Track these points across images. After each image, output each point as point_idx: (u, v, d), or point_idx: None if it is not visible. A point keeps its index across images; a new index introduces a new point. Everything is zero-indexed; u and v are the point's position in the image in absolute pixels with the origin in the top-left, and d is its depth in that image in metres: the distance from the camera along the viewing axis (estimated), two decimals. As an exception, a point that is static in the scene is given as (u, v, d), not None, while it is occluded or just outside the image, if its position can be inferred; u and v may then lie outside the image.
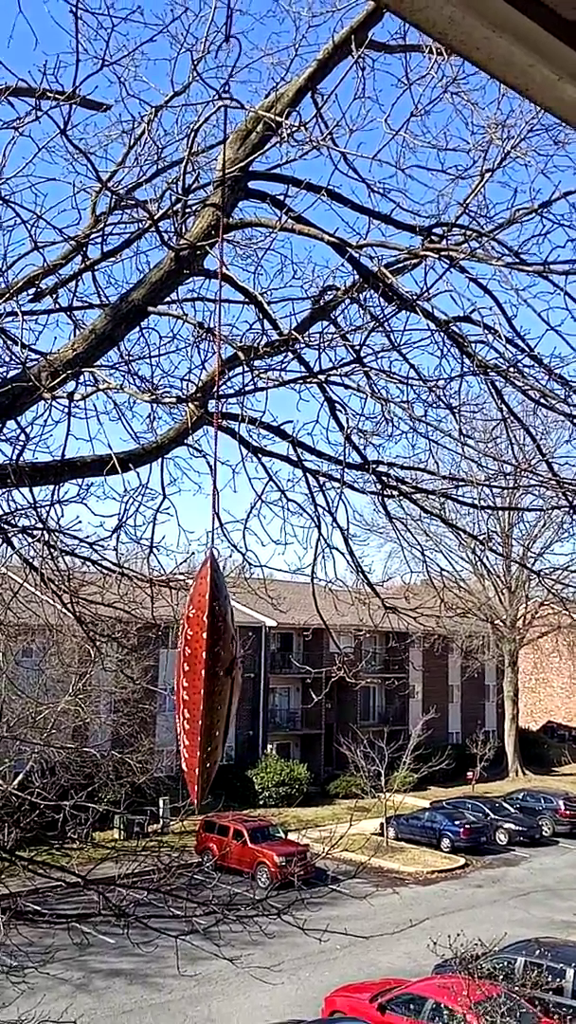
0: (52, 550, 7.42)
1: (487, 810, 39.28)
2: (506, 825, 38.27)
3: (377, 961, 22.81)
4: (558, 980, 19.02)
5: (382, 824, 36.27)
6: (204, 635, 3.00)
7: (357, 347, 7.27)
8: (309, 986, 21.16)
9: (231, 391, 7.46)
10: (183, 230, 6.70)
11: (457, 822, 36.48)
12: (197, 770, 3.07)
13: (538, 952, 19.71)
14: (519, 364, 7.45)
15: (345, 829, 14.14)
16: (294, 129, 6.56)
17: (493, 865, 34.75)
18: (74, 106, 5.97)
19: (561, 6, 2.40)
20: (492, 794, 44.10)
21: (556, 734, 65.56)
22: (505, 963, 19.17)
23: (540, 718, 68.09)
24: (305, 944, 13.46)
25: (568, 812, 40.36)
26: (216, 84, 6.41)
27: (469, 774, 46.61)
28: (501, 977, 18.20)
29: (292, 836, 32.65)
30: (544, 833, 39.24)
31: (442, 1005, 17.39)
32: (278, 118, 6.41)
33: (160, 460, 7.28)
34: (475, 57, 2.54)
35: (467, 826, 36.24)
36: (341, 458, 7.85)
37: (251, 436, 7.65)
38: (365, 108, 6.88)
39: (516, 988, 17.89)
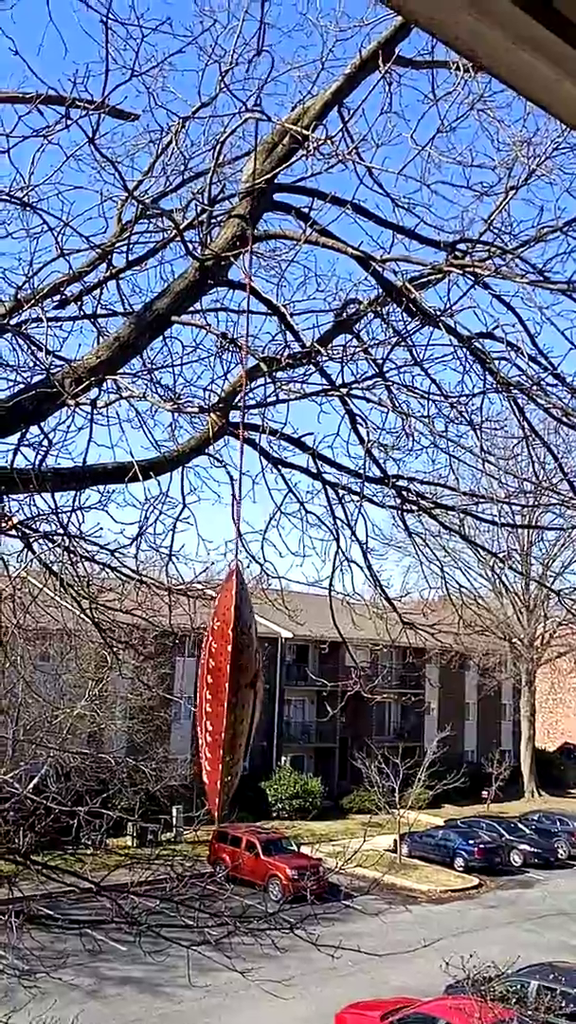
0: (72, 556, 7.45)
1: (502, 830, 38.95)
2: (521, 846, 37.91)
3: (388, 979, 22.63)
4: (572, 1005, 18.79)
5: (396, 841, 36.03)
6: (229, 648, 2.98)
7: (379, 361, 7.28)
8: (319, 1002, 21.02)
9: (253, 402, 7.49)
10: (208, 240, 6.74)
11: (471, 841, 36.20)
12: (219, 783, 3.05)
13: (552, 976, 19.50)
14: (542, 382, 7.43)
15: (359, 844, 14.05)
16: (320, 143, 6.59)
17: (507, 886, 34.43)
18: (102, 115, 6.03)
19: (579, 19, 2.41)
20: (507, 814, 43.73)
21: (573, 756, 64.97)
22: (518, 986, 18.98)
23: (556, 739, 67.51)
24: (317, 959, 13.38)
25: (584, 834, 39.96)
26: (243, 96, 6.46)
27: (484, 793, 46.25)
28: (514, 1000, 18.01)
29: (305, 850, 32.53)
30: (560, 856, 38.82)
31: (452, 1026, 17.23)
32: (304, 131, 6.45)
33: (181, 469, 7.31)
34: (501, 73, 2.55)
35: (481, 846, 35.95)
36: (361, 471, 7.85)
37: (271, 447, 7.67)
38: (391, 123, 6.89)
39: (529, 1012, 17.69)
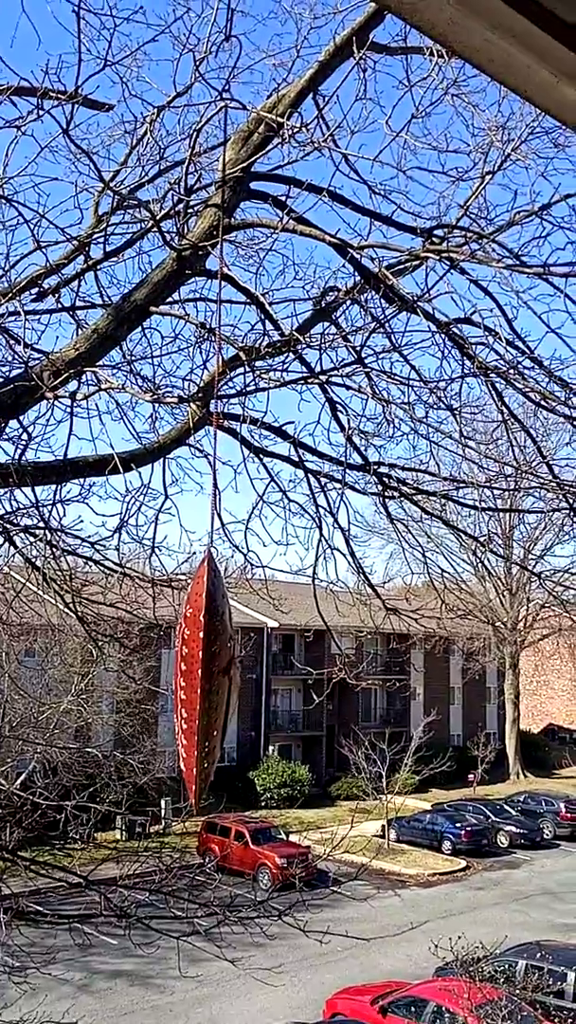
0: (54, 549, 7.44)
1: (488, 812, 39.25)
2: (507, 828, 38.24)
3: (378, 963, 22.80)
4: (559, 983, 19.00)
5: (383, 826, 36.25)
6: (201, 635, 3.00)
7: (358, 348, 7.28)
8: (310, 988, 21.15)
9: (233, 391, 7.48)
10: (185, 230, 6.72)
11: (458, 824, 36.46)
12: (195, 770, 3.07)
13: (539, 955, 19.69)
14: (520, 366, 7.46)
15: (346, 831, 14.13)
16: (295, 130, 6.57)
17: (494, 868, 34.72)
18: (76, 106, 5.99)
19: (560, 8, 2.42)
20: (493, 796, 44.06)
21: (557, 736, 65.50)
22: (506, 966, 19.16)
23: (541, 721, 68.03)
24: (306, 946, 13.46)
25: (569, 815, 40.31)
26: (218, 85, 6.44)
27: (470, 776, 46.56)
28: (502, 980, 18.18)
29: (293, 838, 32.66)
30: (545, 836, 39.20)
31: (443, 1008, 17.39)
32: (280, 119, 6.43)
33: (162, 460, 7.30)
34: (475, 59, 2.55)
35: (468, 828, 36.21)
36: (342, 459, 7.87)
37: (253, 436, 7.67)
38: (366, 110, 6.89)
39: (517, 991, 17.87)
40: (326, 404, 7.74)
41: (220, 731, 3.13)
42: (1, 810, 11.13)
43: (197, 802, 3.16)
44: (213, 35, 6.40)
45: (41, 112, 5.92)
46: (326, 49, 6.64)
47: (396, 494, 8.33)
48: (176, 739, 3.15)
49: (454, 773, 45.35)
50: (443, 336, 7.30)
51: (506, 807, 40.56)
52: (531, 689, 66.89)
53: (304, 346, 7.18)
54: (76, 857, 15.20)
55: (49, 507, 6.85)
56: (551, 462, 8.94)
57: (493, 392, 7.79)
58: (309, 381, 7.48)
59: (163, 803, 34.27)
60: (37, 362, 6.43)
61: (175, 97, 6.69)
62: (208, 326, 7.00)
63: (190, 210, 6.79)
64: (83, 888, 9.63)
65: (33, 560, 7.79)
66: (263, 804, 40.72)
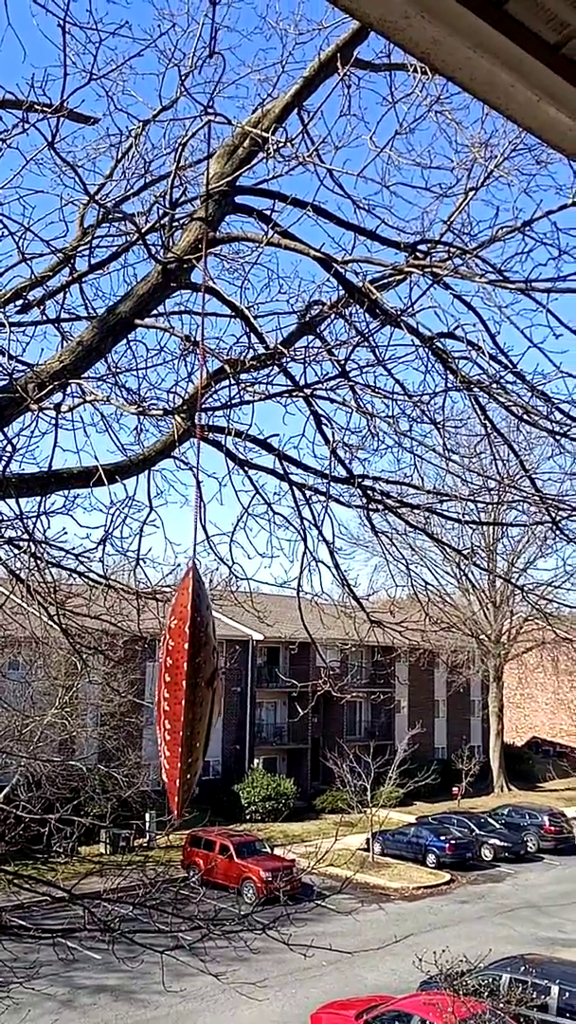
0: (38, 561, 7.42)
1: (472, 826, 39.22)
2: (491, 841, 38.21)
3: (363, 977, 22.71)
4: (543, 997, 18.97)
5: (368, 839, 36.16)
6: (186, 646, 3.01)
7: (342, 361, 7.32)
8: (295, 1002, 21.04)
9: (218, 404, 7.50)
10: (170, 243, 6.75)
11: (443, 838, 36.41)
12: (178, 781, 3.08)
13: (523, 969, 19.67)
14: (502, 380, 7.51)
15: (331, 844, 14.08)
16: (280, 145, 6.62)
17: (478, 881, 34.68)
18: (62, 119, 6.01)
19: (543, 30, 2.46)
20: (477, 810, 44.04)
21: (541, 750, 65.57)
22: (490, 980, 19.12)
23: (525, 734, 68.11)
24: (291, 960, 13.42)
25: (553, 828, 40.32)
26: (204, 99, 6.48)
27: (455, 789, 46.53)
28: (486, 994, 18.14)
29: (278, 851, 32.51)
30: (529, 849, 39.20)
31: (427, 1022, 17.32)
32: (264, 134, 6.48)
33: (147, 472, 7.30)
34: (458, 77, 2.60)
35: (452, 842, 36.17)
36: (327, 472, 7.89)
37: (237, 449, 7.69)
38: (351, 125, 6.95)
39: (501, 1005, 17.83)
40: (311, 417, 7.77)
41: (203, 742, 3.14)
42: (-16, 824, 11.05)
43: (179, 813, 3.17)
44: (199, 50, 6.46)
45: (26, 125, 5.94)
46: (311, 65, 6.70)
47: (380, 507, 8.36)
48: (159, 750, 3.16)
49: (438, 786, 45.34)
50: (427, 350, 7.35)
51: (490, 820, 40.54)
52: (515, 702, 67.00)
53: (289, 359, 7.21)
54: (60, 871, 15.11)
55: (33, 519, 6.84)
56: (534, 476, 9.00)
57: (476, 406, 7.85)
58: (294, 394, 7.51)
59: (147, 816, 34.07)
60: (21, 374, 6.43)
61: (160, 111, 6.74)
62: (193, 339, 7.03)
63: (175, 223, 6.82)
64: (67, 902, 9.57)
65: (17, 572, 7.77)
66: (248, 817, 40.56)
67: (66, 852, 18.26)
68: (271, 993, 19.93)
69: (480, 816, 41.16)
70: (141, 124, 6.80)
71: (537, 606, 12.36)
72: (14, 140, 6.08)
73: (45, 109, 5.87)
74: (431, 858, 35.83)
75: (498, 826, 39.91)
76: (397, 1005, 18.49)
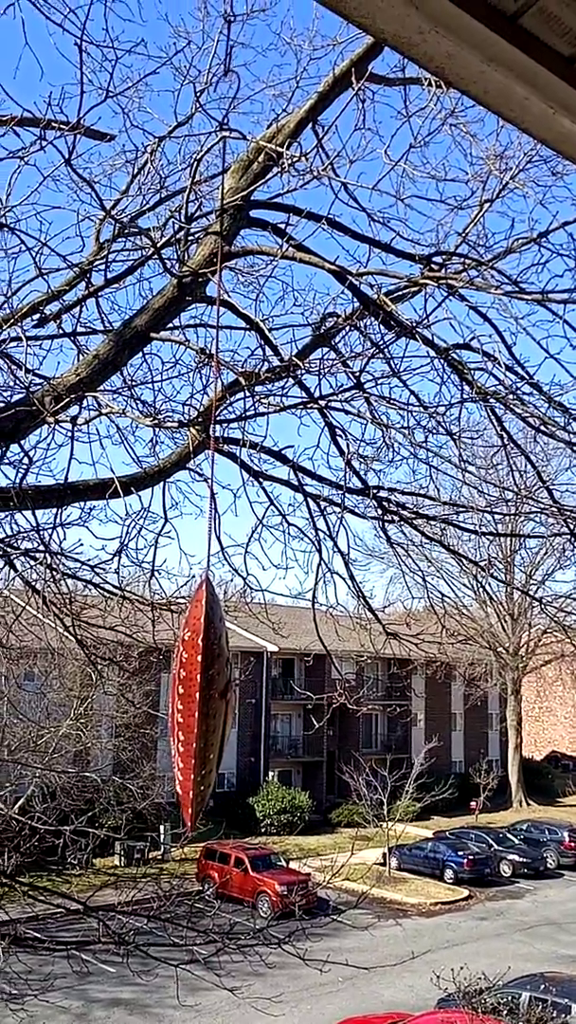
0: (54, 573, 7.45)
1: (491, 841, 38.89)
2: (510, 856, 37.85)
3: (380, 994, 22.53)
4: (563, 1015, 18.74)
5: (384, 854, 35.94)
6: (199, 658, 3.01)
7: (357, 373, 7.34)
8: (310, 1019, 20.89)
9: (232, 416, 7.53)
10: (185, 258, 6.79)
11: (460, 853, 36.11)
12: (191, 793, 3.07)
13: (543, 987, 19.44)
14: (519, 391, 7.51)
15: (347, 858, 14.05)
16: (295, 159, 6.66)
17: (497, 897, 34.38)
18: (78, 136, 6.07)
19: (557, 42, 2.47)
20: (495, 824, 43.69)
21: (560, 764, 65.02)
22: (509, 998, 18.92)
23: (544, 748, 67.59)
24: (306, 975, 13.34)
25: (573, 844, 39.90)
26: (218, 115, 6.55)
27: (472, 804, 46.21)
28: (505, 1012, 17.95)
29: (293, 865, 32.37)
30: (549, 865, 38.79)
31: (445, 1039, 17.17)
32: (279, 148, 6.52)
33: (162, 484, 7.33)
34: (472, 91, 2.60)
35: (471, 857, 35.86)
36: (342, 483, 7.90)
37: (252, 461, 7.71)
38: (365, 139, 6.98)
39: (520, 1023, 17.65)
40: (325, 428, 7.78)
41: (217, 754, 3.13)
42: (-1, 835, 11.07)
43: (193, 825, 3.16)
44: (214, 67, 6.51)
45: (44, 142, 6.01)
46: (325, 80, 6.74)
47: (396, 518, 8.35)
48: (172, 761, 3.16)
49: (456, 800, 45.02)
50: (442, 361, 7.36)
51: (509, 835, 40.19)
52: (533, 715, 66.53)
53: (303, 371, 7.23)
54: (74, 883, 15.09)
55: (49, 531, 6.89)
56: (551, 487, 8.97)
57: (492, 417, 7.84)
58: (308, 406, 7.52)
59: (162, 829, 34.01)
60: (39, 387, 6.48)
61: (176, 127, 6.79)
62: (208, 351, 7.06)
63: (190, 237, 6.87)
64: (81, 914, 9.57)
65: (33, 583, 7.81)
66: (263, 830, 40.41)
67: (81, 864, 18.26)
68: (287, 1009, 19.79)
69: (498, 831, 40.81)
70: (157, 140, 6.86)
71: (555, 618, 12.27)
72: (32, 157, 6.15)
73: (62, 126, 5.94)
74: (449, 873, 35.55)
75: (517, 841, 39.55)
76: (414, 1022, 18.34)
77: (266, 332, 6.84)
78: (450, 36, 2.34)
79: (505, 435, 7.97)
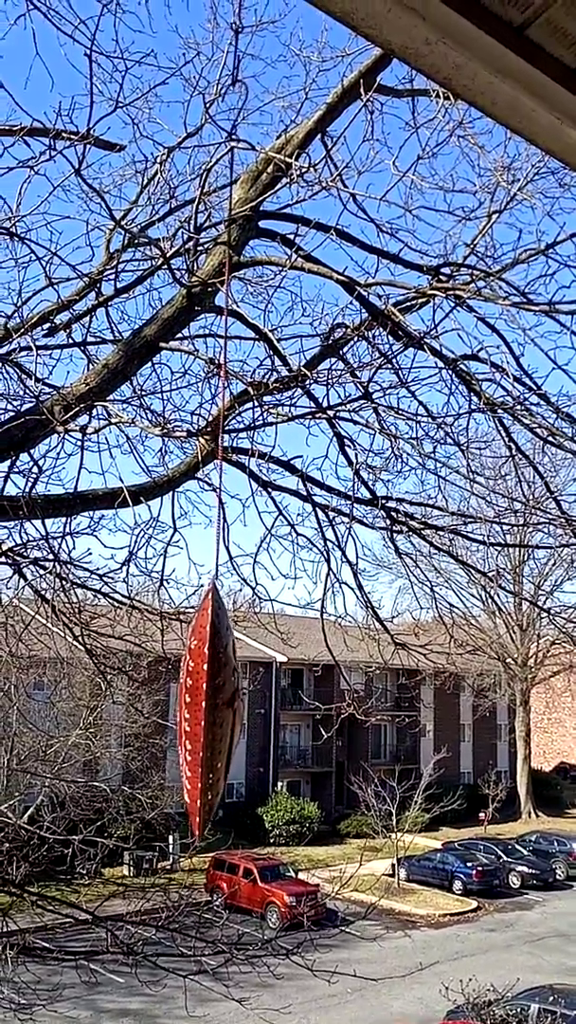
0: (64, 582, 7.46)
1: (500, 852, 38.69)
2: (519, 868, 37.66)
3: (388, 1005, 22.41)
4: (572, 1027, 18.63)
5: (393, 865, 35.78)
6: (205, 666, 3.01)
7: (366, 383, 7.35)
8: (319, 1030, 20.79)
9: (241, 426, 7.54)
10: (195, 268, 6.82)
11: (469, 864, 35.94)
12: (199, 802, 3.07)
13: (552, 999, 19.32)
14: (526, 402, 7.51)
15: (355, 869, 13.98)
16: (304, 170, 6.69)
17: (506, 909, 34.18)
18: (88, 146, 6.11)
19: (564, 54, 2.48)
20: (504, 836, 43.47)
21: (569, 775, 64.66)
22: (519, 1009, 18.80)
23: (553, 759, 67.25)
24: (315, 987, 13.27)
25: (582, 855, 39.71)
26: (228, 126, 6.57)
27: (481, 815, 45.98)
28: (514, 1024, 17.86)
29: (302, 875, 32.26)
30: (558, 876, 38.57)
31: (454, 1051, 17.07)
32: (288, 159, 6.55)
33: (171, 493, 7.34)
34: (479, 102, 2.62)
35: (479, 868, 35.68)
36: (350, 493, 7.90)
37: (261, 470, 7.73)
38: (374, 150, 7.00)
39: (529, 1035, 17.54)
40: (334, 439, 7.79)
41: (224, 763, 3.13)
42: (8, 844, 11.06)
43: (201, 834, 3.16)
44: (223, 78, 6.55)
45: (54, 152, 6.05)
46: (334, 91, 6.77)
47: (404, 529, 8.35)
48: (180, 771, 3.16)
49: (465, 811, 44.80)
50: (450, 372, 7.36)
51: (518, 847, 39.98)
52: (542, 727, 66.21)
53: (312, 381, 7.24)
54: (83, 893, 15.05)
55: (59, 540, 6.89)
56: (559, 498, 8.96)
57: (500, 428, 7.84)
58: (317, 416, 7.53)
59: (171, 839, 33.94)
60: (48, 396, 6.51)
61: (185, 138, 6.83)
62: (217, 361, 7.08)
63: (200, 248, 6.90)
64: (90, 924, 9.56)
65: (42, 593, 7.81)
66: (272, 841, 40.29)
67: (89, 874, 18.23)
68: (295, 1020, 19.69)
69: (507, 842, 40.61)
70: (166, 151, 6.89)
71: (564, 629, 12.24)
72: (42, 167, 6.19)
73: (72, 136, 5.97)
74: (457, 885, 35.37)
75: (526, 853, 39.35)
76: (423, 1034, 18.24)
77: (275, 342, 6.86)
78: (457, 47, 2.35)
79: (513, 446, 7.96)
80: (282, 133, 6.98)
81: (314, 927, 14.19)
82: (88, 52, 5.42)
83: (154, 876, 28.00)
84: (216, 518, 7.51)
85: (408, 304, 7.16)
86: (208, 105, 6.56)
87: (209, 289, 6.74)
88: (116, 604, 8.26)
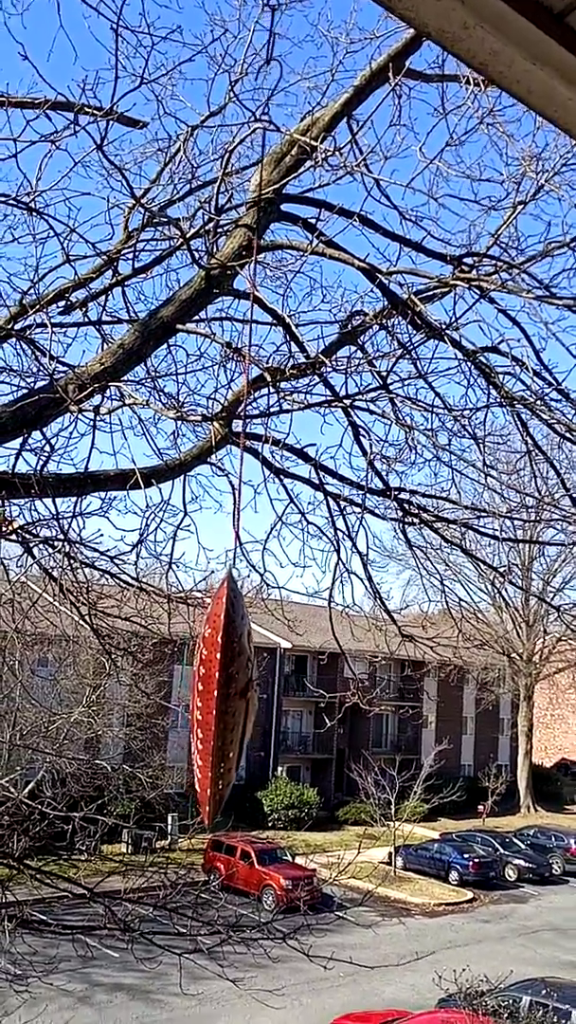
0: (72, 562, 7.44)
1: (497, 845, 38.79)
2: (515, 861, 37.77)
3: (381, 991, 22.52)
4: (563, 1021, 18.65)
5: (391, 853, 35.90)
6: (218, 656, 2.96)
7: (383, 373, 7.28)
8: (311, 1013, 20.91)
9: (256, 412, 7.49)
10: (214, 249, 6.75)
11: (466, 855, 36.05)
12: (209, 791, 3.03)
13: (544, 992, 19.36)
14: (546, 397, 7.42)
15: (353, 856, 13.99)
16: (328, 154, 6.60)
17: (501, 901, 34.28)
18: (111, 122, 6.03)
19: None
20: (502, 829, 43.56)
21: (569, 772, 64.72)
22: (510, 1001, 18.84)
23: (554, 755, 67.28)
24: (308, 970, 13.31)
25: (579, 851, 39.78)
26: (252, 105, 6.47)
27: (480, 807, 46.08)
28: (506, 1015, 17.89)
29: (299, 860, 32.39)
30: (554, 871, 38.67)
31: (444, 1040, 17.12)
32: (313, 142, 6.45)
33: (183, 477, 7.30)
34: (515, 89, 2.55)
35: (476, 860, 35.78)
36: (363, 483, 7.85)
37: (274, 457, 7.67)
38: (400, 136, 6.89)
39: (520, 1027, 17.58)
40: (349, 428, 7.73)
41: (236, 753, 3.08)
42: (9, 818, 11.10)
43: (210, 821, 3.13)
44: (249, 56, 6.45)
45: (76, 127, 5.97)
46: (362, 74, 6.66)
47: (416, 521, 8.29)
48: (192, 758, 3.12)
49: (464, 803, 44.90)
50: (469, 364, 7.28)
51: (515, 840, 40.07)
52: (545, 722, 66.21)
53: (329, 369, 7.18)
54: (81, 868, 15.11)
55: (69, 519, 6.86)
56: (574, 495, 8.89)
57: (518, 422, 7.76)
58: (333, 404, 7.47)
59: (170, 818, 34.13)
60: (62, 375, 6.45)
61: (209, 116, 6.74)
62: (234, 346, 7.01)
63: (220, 229, 6.81)
64: (88, 900, 9.59)
65: (50, 571, 7.80)
66: (270, 824, 40.46)
67: (88, 850, 18.31)
68: (288, 1002, 19.78)
69: (505, 835, 40.70)
70: (189, 129, 6.80)
71: (571, 626, 12.19)
72: (63, 142, 6.11)
73: (95, 112, 5.90)
74: (454, 875, 35.49)
75: (523, 846, 39.43)
76: (414, 1021, 18.30)
77: (293, 328, 6.80)
78: (495, 33, 2.29)
79: (530, 441, 7.89)
80: (307, 115, 6.88)
81: (310, 911, 14.22)
82: (114, 25, 5.34)
83: (152, 855, 28.14)
84: (232, 504, 7.47)
85: (429, 294, 7.08)
86: (233, 84, 6.46)
87: (228, 272, 6.66)
88: (124, 585, 8.24)
